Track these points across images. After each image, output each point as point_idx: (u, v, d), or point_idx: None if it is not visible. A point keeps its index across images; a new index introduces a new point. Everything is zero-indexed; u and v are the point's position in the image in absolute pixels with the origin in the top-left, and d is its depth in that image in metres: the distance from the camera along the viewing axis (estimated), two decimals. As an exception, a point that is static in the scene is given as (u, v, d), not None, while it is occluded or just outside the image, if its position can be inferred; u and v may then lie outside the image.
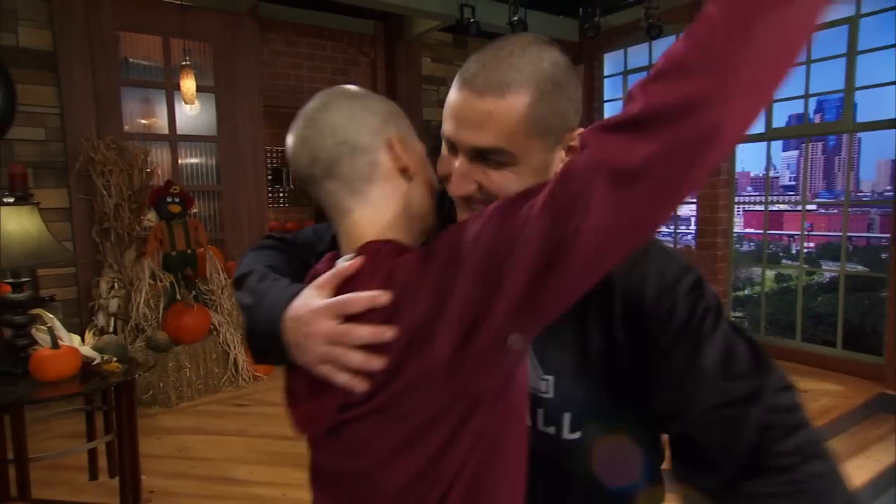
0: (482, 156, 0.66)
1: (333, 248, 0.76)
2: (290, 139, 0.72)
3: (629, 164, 0.47)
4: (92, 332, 2.05)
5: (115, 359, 1.97)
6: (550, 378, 0.71)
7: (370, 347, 0.59)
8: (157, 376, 3.38)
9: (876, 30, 3.60)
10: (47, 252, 1.98)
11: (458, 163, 0.68)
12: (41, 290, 3.54)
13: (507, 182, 0.66)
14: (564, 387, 0.71)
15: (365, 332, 0.59)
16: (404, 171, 0.70)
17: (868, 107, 3.78)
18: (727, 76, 0.44)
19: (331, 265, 0.70)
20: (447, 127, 0.68)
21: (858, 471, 2.72)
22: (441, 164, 0.72)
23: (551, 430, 0.72)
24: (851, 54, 3.68)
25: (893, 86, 3.43)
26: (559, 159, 0.69)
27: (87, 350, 1.97)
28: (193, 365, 3.52)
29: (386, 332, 0.58)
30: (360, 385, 0.59)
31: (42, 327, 1.97)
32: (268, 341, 0.69)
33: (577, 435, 0.72)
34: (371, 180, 0.69)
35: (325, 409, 0.64)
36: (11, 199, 2.01)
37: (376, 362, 0.58)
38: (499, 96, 0.63)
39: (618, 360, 0.68)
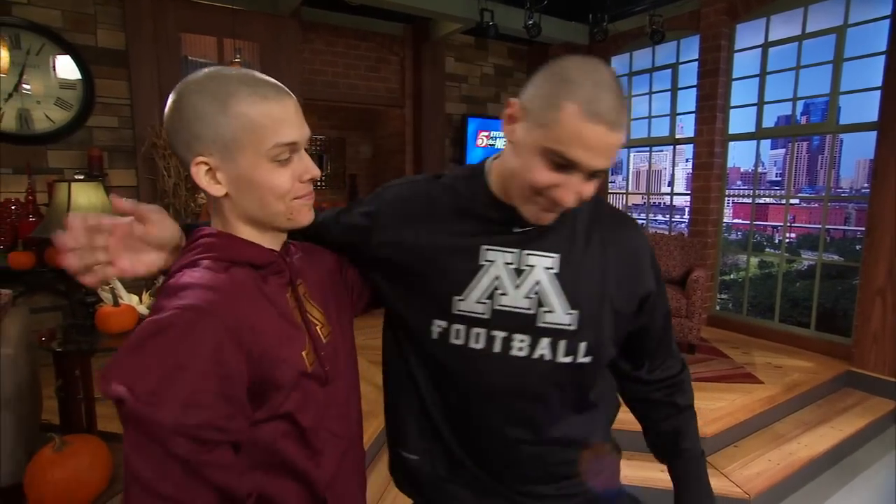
0: (592, 174, 0.71)
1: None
2: None
3: None
4: (149, 293, 2.07)
5: (168, 316, 1.99)
6: (576, 312, 0.77)
7: None
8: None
9: (863, 38, 3.39)
10: (111, 223, 1.99)
11: (575, 180, 0.70)
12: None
13: (593, 190, 0.74)
14: (586, 319, 0.77)
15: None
16: None
17: (851, 109, 3.59)
18: None
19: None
20: (580, 155, 0.68)
21: (823, 438, 2.66)
22: (540, 177, 0.71)
23: (568, 359, 0.78)
24: (838, 61, 3.49)
25: (877, 91, 3.24)
26: None
27: (142, 308, 1.99)
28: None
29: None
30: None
31: (106, 287, 2.00)
32: None
33: (588, 359, 0.79)
34: None
35: None
36: (81, 177, 2.02)
37: None
38: (621, 132, 0.68)
39: (647, 303, 0.83)
